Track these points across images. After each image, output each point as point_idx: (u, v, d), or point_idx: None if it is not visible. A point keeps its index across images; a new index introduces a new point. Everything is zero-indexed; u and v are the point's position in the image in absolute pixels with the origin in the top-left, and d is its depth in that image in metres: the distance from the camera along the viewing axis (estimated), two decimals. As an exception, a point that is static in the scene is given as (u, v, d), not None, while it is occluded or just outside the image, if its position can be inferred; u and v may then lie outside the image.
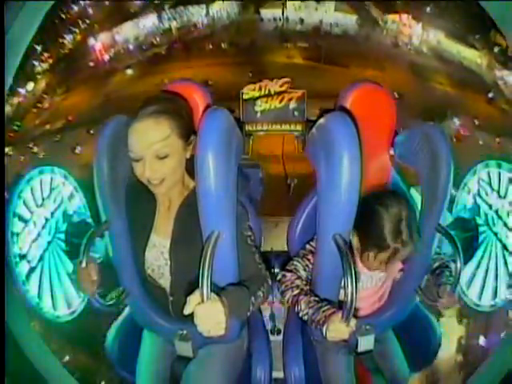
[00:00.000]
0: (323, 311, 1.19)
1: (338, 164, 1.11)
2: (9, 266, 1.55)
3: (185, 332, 1.25)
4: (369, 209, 1.22)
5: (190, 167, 1.12)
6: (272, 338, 1.75)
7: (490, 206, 1.98)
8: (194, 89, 1.41)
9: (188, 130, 1.14)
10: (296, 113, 2.83)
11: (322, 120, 1.24)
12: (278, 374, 1.52)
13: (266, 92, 2.72)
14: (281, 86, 2.71)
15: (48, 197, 1.87)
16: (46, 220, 1.85)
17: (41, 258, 1.78)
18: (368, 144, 1.28)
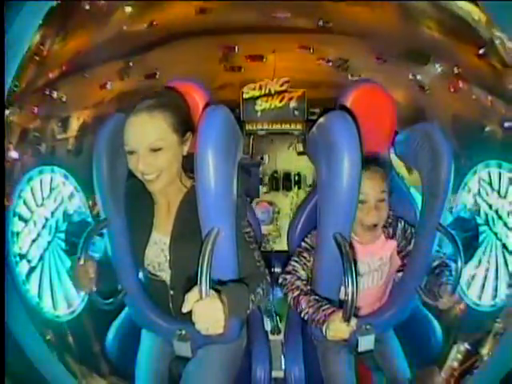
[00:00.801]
0: (323, 310, 1.20)
1: (338, 163, 1.11)
2: (9, 266, 1.55)
3: (183, 332, 1.25)
4: None
5: (189, 166, 1.12)
6: (272, 337, 1.76)
7: (491, 206, 1.98)
8: (193, 88, 1.41)
9: (184, 126, 1.15)
10: (296, 112, 2.83)
11: (322, 119, 1.24)
12: (278, 373, 1.53)
13: (267, 91, 2.72)
14: (281, 86, 2.71)
15: (48, 196, 1.86)
16: (46, 220, 1.84)
17: (41, 258, 1.78)
18: (368, 143, 1.28)
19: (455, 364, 1.54)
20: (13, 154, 1.61)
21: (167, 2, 2.31)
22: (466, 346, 1.56)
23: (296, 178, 2.86)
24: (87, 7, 2.22)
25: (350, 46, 2.50)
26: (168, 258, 1.23)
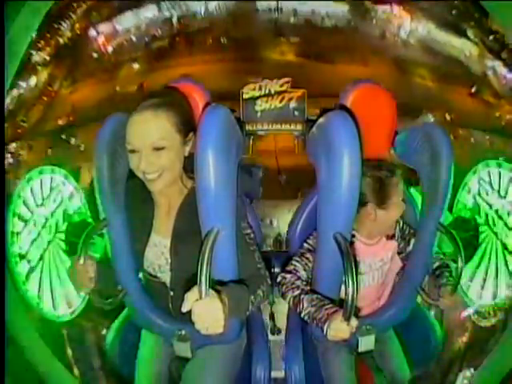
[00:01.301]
0: (326, 309, 1.19)
1: (338, 163, 1.11)
2: (9, 266, 1.55)
3: (183, 332, 1.25)
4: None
5: (190, 166, 1.12)
6: (272, 337, 1.75)
7: (491, 206, 1.98)
8: (193, 88, 1.42)
9: (187, 126, 1.14)
10: (296, 112, 2.83)
11: (322, 119, 1.24)
12: (278, 373, 1.52)
13: (267, 92, 2.72)
14: (281, 86, 2.71)
15: (48, 196, 1.87)
16: (46, 220, 1.85)
17: (41, 258, 1.78)
18: (368, 143, 1.28)
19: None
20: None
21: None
22: (472, 371, 1.57)
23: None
24: (95, 55, 2.24)
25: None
26: (169, 260, 1.22)
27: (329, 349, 1.42)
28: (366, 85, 1.54)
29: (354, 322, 1.10)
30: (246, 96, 2.75)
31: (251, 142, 2.84)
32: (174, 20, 2.80)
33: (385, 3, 2.62)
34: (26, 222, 1.72)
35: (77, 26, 2.17)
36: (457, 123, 2.13)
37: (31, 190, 1.77)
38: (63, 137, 1.91)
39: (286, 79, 2.78)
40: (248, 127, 2.81)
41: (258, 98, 2.78)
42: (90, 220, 2.02)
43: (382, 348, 1.42)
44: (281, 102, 2.87)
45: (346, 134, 1.11)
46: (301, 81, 2.57)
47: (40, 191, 1.82)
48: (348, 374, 1.38)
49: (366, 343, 1.34)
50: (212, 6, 2.81)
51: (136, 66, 2.69)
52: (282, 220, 2.67)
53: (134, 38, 2.72)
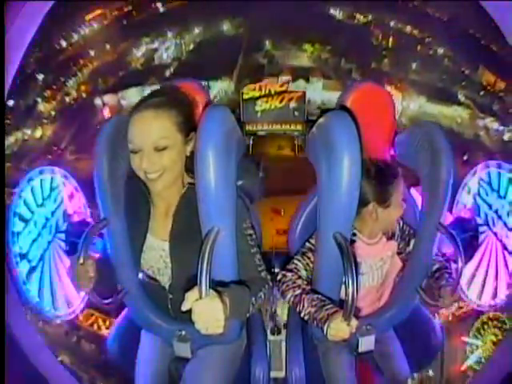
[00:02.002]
0: (326, 310, 1.19)
1: (338, 163, 1.11)
2: (9, 266, 1.55)
3: (183, 332, 1.25)
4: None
5: (191, 166, 1.11)
6: (272, 337, 1.75)
7: (490, 206, 1.98)
8: (193, 88, 1.42)
9: (188, 125, 1.13)
10: (296, 113, 2.81)
11: (322, 119, 1.24)
12: (278, 373, 1.52)
13: (267, 92, 2.70)
14: (281, 86, 2.69)
15: (48, 197, 1.87)
16: (47, 220, 1.85)
17: (41, 258, 1.78)
18: (368, 144, 1.28)
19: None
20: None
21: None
22: None
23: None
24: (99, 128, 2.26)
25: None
26: (168, 264, 1.22)
27: (329, 349, 1.42)
28: (366, 85, 1.54)
29: (354, 322, 1.10)
30: (246, 96, 2.75)
31: (251, 141, 2.85)
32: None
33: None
34: (26, 222, 1.73)
35: (82, 87, 2.19)
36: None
37: (32, 189, 1.77)
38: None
39: (286, 79, 2.79)
40: (248, 127, 2.82)
41: (258, 98, 2.79)
42: (89, 220, 2.02)
43: (382, 348, 1.42)
44: (281, 102, 2.87)
45: (346, 134, 1.11)
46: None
47: (40, 191, 1.82)
48: (348, 374, 1.38)
49: (366, 343, 1.34)
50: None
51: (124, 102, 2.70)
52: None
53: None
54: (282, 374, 1.49)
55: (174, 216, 1.20)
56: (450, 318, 7.78)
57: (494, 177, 1.96)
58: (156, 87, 1.30)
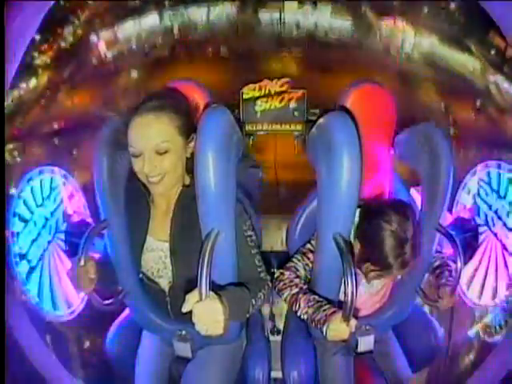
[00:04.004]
0: (324, 310, 1.19)
1: (338, 164, 1.11)
2: (9, 266, 1.55)
3: (184, 332, 1.25)
4: (373, 223, 1.17)
5: (191, 167, 1.11)
6: (272, 338, 1.75)
7: (490, 207, 1.99)
8: (193, 88, 1.42)
9: (189, 128, 1.13)
10: (296, 113, 2.83)
11: (322, 120, 1.24)
12: (278, 373, 1.52)
13: (266, 92, 2.72)
14: (281, 86, 2.71)
15: (48, 197, 1.87)
16: (46, 220, 1.85)
17: (41, 258, 1.78)
18: (368, 144, 1.28)
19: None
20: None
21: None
22: None
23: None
24: (95, 61, 2.25)
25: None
26: (168, 265, 1.21)
27: (327, 350, 1.41)
28: (366, 85, 1.54)
29: (353, 322, 1.10)
30: (245, 96, 2.75)
31: (251, 142, 2.85)
32: (175, 30, 2.81)
33: (388, 16, 2.62)
34: (26, 222, 1.73)
35: (79, 31, 2.18)
36: (461, 137, 2.13)
37: (31, 189, 1.77)
38: (55, 141, 1.91)
39: (286, 79, 2.79)
40: (248, 127, 2.81)
41: (257, 98, 2.79)
42: (89, 220, 2.02)
43: (381, 348, 1.42)
44: (280, 102, 2.87)
45: (346, 135, 1.11)
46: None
47: (40, 191, 1.82)
48: (345, 376, 1.38)
49: (366, 343, 1.34)
50: (213, 16, 2.82)
51: (135, 74, 2.70)
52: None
53: (134, 47, 2.74)
54: (281, 375, 1.49)
55: (173, 216, 1.21)
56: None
57: (494, 177, 1.96)
58: (154, 16, 1.29)
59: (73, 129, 2.07)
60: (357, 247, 1.23)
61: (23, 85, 1.75)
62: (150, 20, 2.72)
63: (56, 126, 1.94)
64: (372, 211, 1.20)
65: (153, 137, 1.07)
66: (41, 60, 1.78)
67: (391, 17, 2.64)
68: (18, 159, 1.74)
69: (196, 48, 2.93)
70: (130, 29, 2.65)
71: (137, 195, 1.22)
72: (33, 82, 1.75)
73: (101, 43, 2.37)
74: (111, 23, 2.50)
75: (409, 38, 2.59)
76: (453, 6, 2.20)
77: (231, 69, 3.00)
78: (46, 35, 1.77)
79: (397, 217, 1.15)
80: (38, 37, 1.58)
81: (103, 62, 2.40)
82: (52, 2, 1.40)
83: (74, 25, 2.07)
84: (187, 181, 1.21)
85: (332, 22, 2.90)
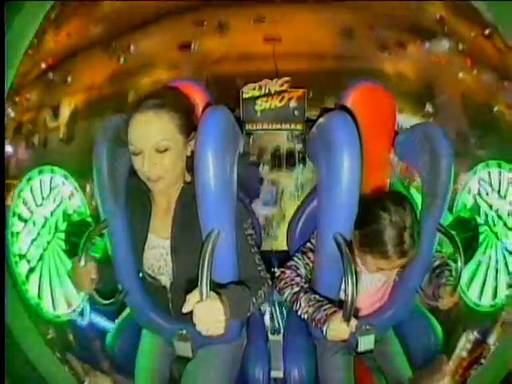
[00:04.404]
0: (324, 310, 1.19)
1: (338, 163, 1.11)
2: (9, 266, 1.55)
3: (184, 332, 1.25)
4: (371, 212, 1.20)
5: (191, 165, 1.11)
6: (272, 337, 1.75)
7: (491, 206, 1.98)
8: (193, 88, 1.41)
9: (189, 126, 1.13)
10: (296, 112, 2.83)
11: (322, 119, 1.24)
12: (278, 373, 1.53)
13: (266, 91, 2.71)
14: (281, 86, 2.70)
15: (48, 196, 1.86)
16: (46, 219, 1.84)
17: (41, 258, 1.78)
18: (368, 143, 1.28)
19: (464, 354, 1.55)
20: (7, 148, 1.60)
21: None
22: (476, 334, 1.57)
23: (300, 155, 2.70)
24: None
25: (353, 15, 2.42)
26: (169, 262, 1.22)
27: (327, 350, 1.42)
28: (366, 85, 1.54)
29: (353, 322, 1.10)
30: (245, 96, 2.75)
31: (251, 141, 2.85)
32: None
33: None
34: (25, 221, 1.72)
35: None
36: (468, 54, 2.08)
37: (31, 189, 1.77)
38: (50, 76, 1.82)
39: (286, 79, 2.78)
40: (248, 127, 2.81)
41: (257, 97, 2.78)
42: (89, 220, 2.02)
43: (382, 348, 1.42)
44: (281, 101, 2.86)
45: (346, 134, 1.11)
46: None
47: (40, 191, 1.82)
48: (346, 375, 1.38)
49: (366, 343, 1.34)
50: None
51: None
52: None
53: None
54: (281, 374, 1.49)
55: (174, 214, 1.21)
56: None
57: (495, 177, 1.96)
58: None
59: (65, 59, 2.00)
60: (356, 237, 1.25)
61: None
62: None
63: (43, 66, 1.86)
64: (370, 201, 1.22)
65: (153, 135, 1.07)
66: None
67: None
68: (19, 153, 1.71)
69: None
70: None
71: (138, 193, 1.22)
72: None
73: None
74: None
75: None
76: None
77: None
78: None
79: (395, 206, 1.18)
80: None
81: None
82: (52, 2, 1.40)
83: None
84: (188, 178, 1.21)
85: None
